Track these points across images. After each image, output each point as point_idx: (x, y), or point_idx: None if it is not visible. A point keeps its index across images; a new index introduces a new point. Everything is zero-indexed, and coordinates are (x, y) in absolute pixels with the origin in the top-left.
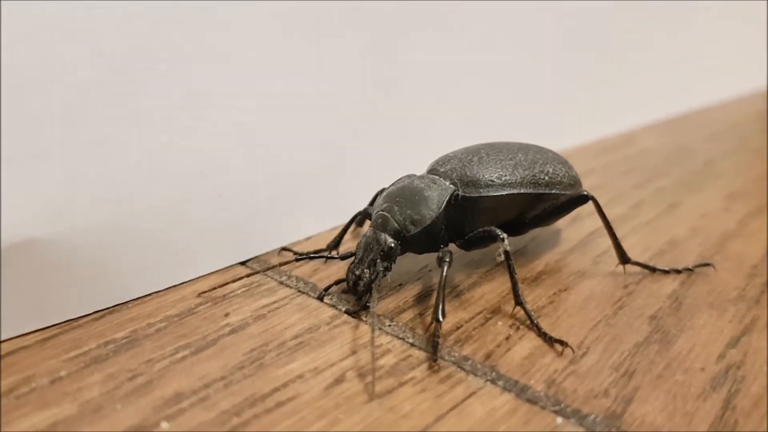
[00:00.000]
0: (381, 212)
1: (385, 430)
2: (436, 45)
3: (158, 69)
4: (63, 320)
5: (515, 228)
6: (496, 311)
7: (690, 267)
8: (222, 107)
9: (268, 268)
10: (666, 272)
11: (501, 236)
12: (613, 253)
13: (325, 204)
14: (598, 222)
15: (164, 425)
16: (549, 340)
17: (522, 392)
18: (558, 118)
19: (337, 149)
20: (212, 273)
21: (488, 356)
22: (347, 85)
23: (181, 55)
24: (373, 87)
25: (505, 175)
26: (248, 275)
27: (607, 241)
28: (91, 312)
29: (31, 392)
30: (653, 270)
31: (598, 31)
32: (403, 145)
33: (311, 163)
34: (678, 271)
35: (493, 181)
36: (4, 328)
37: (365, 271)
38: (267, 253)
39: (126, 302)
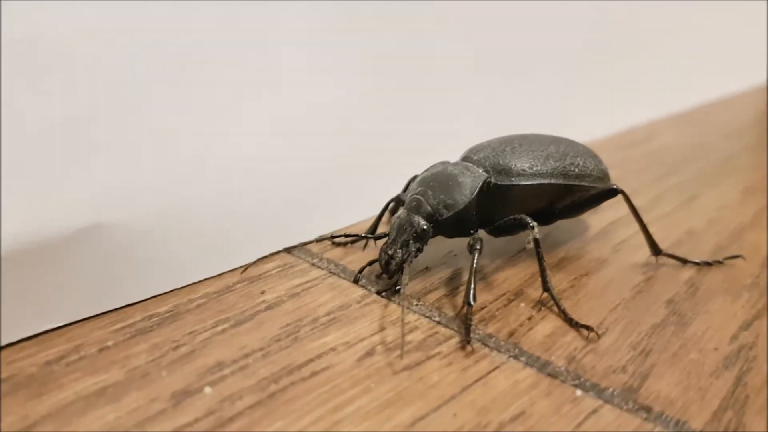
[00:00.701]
0: (415, 196)
1: (414, 398)
2: (460, 40)
3: (207, 65)
4: (124, 304)
5: (543, 218)
6: (519, 294)
7: (720, 260)
8: (263, 102)
9: (303, 244)
10: (697, 264)
11: (531, 224)
12: (633, 241)
13: (360, 194)
14: (619, 212)
15: (207, 390)
16: (575, 325)
17: (543, 367)
18: (578, 112)
19: (372, 141)
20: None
21: (511, 334)
22: (380, 79)
23: (228, 52)
24: (403, 82)
25: (537, 166)
26: (285, 251)
27: (627, 231)
28: (148, 297)
29: (80, 359)
30: (684, 262)
31: (615, 26)
32: (435, 136)
33: (347, 155)
34: (708, 264)
35: (524, 170)
36: (70, 310)
37: (398, 251)
38: (306, 242)
39: (177, 288)
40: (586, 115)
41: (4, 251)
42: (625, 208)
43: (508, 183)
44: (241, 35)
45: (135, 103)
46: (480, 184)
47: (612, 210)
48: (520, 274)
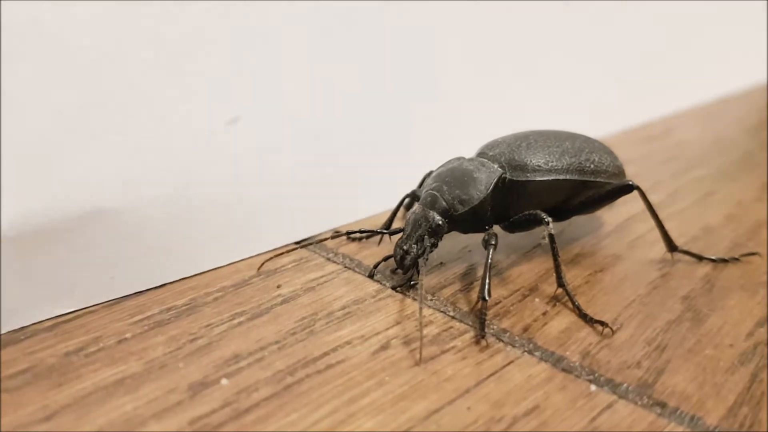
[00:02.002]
0: (430, 191)
1: (429, 391)
2: (477, 33)
3: (210, 52)
4: (131, 292)
5: (558, 214)
6: (533, 289)
7: (736, 256)
8: (269, 90)
9: (320, 240)
10: (713, 261)
11: (546, 220)
12: (648, 237)
13: (375, 189)
14: (634, 209)
15: (224, 381)
16: (589, 320)
17: (558, 362)
18: (593, 107)
19: (386, 134)
20: (267, 252)
21: (526, 329)
22: (394, 72)
23: (231, 39)
24: (418, 76)
25: (552, 161)
26: (300, 246)
27: (643, 227)
28: (158, 285)
29: (99, 351)
30: (700, 259)
31: (632, 19)
32: (451, 131)
33: (360, 147)
34: (725, 261)
35: (540, 166)
36: (77, 297)
37: (413, 246)
38: (319, 235)
39: (189, 277)
40: (601, 110)
41: (15, 233)
42: (640, 204)
43: (523, 179)
44: (251, 23)
45: (143, 90)
46: (495, 180)
47: (627, 206)
48: (534, 269)
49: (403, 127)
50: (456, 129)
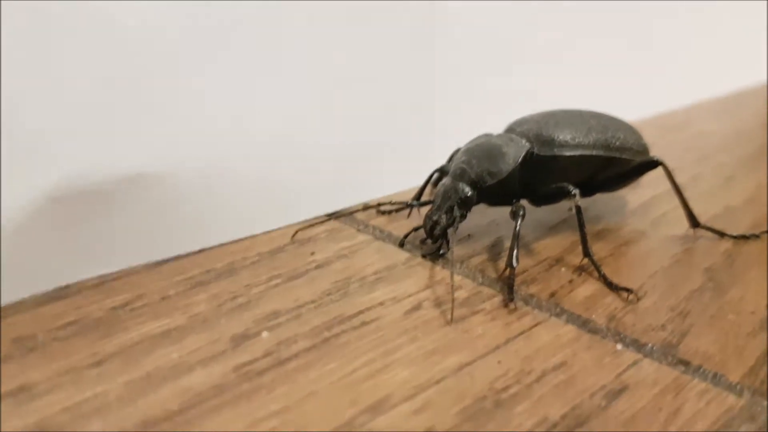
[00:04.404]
0: (460, 164)
1: (460, 347)
2: (502, 15)
3: (249, 34)
4: (171, 255)
5: (584, 190)
6: (559, 260)
7: (757, 233)
8: (304, 68)
9: (351, 212)
10: (734, 237)
11: (573, 192)
12: (671, 215)
13: (403, 165)
14: (658, 189)
15: (265, 334)
16: (615, 288)
17: (584, 325)
18: (613, 95)
19: (414, 112)
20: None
21: (552, 295)
22: (424, 49)
23: (269, 23)
24: (446, 56)
25: (579, 137)
26: (332, 218)
27: (666, 206)
28: (197, 250)
29: (144, 306)
30: (722, 235)
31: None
32: (478, 110)
33: (389, 125)
34: (746, 237)
35: (567, 141)
36: (119, 257)
37: (442, 216)
38: (349, 208)
39: (226, 243)
40: (619, 98)
41: (61, 194)
42: (663, 185)
43: (550, 154)
44: (283, 11)
45: (186, 66)
46: (523, 154)
47: (651, 187)
48: (560, 242)
49: (431, 106)
50: (484, 107)
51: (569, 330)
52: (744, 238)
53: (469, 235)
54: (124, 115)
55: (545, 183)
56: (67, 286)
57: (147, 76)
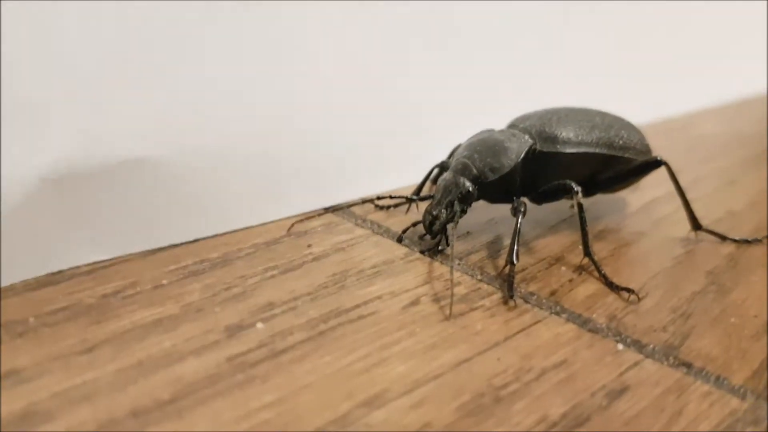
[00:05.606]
0: (462, 159)
1: (459, 342)
2: (502, 16)
3: (252, 17)
4: (166, 244)
5: (586, 189)
6: (559, 259)
7: (759, 238)
8: (304, 58)
9: (348, 206)
10: (736, 241)
11: (575, 189)
12: (673, 217)
13: (403, 161)
14: (660, 190)
15: (260, 325)
16: (615, 288)
17: (585, 324)
18: (615, 97)
19: (416, 107)
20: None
21: (553, 293)
22: (426, 43)
23: (271, 7)
24: (448, 51)
25: (582, 135)
26: (329, 211)
27: (668, 207)
28: (191, 240)
29: (136, 294)
30: (724, 239)
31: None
32: (477, 106)
33: (389, 119)
34: (748, 241)
35: (570, 138)
36: (113, 244)
37: (442, 211)
38: (347, 202)
39: (221, 234)
40: (621, 100)
41: (56, 177)
42: (666, 187)
43: (553, 150)
44: None
45: (187, 48)
46: (526, 150)
47: (652, 189)
48: (560, 241)
49: (432, 101)
50: (485, 104)
51: (569, 329)
52: (746, 242)
53: (468, 232)
54: (123, 98)
55: (547, 180)
56: (59, 272)
57: (147, 63)
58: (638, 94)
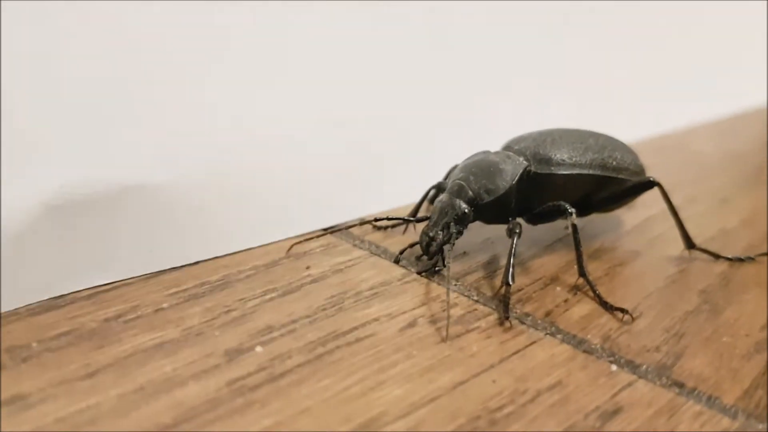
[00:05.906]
0: (457, 180)
1: (455, 365)
2: (498, 37)
3: (247, 43)
4: (166, 267)
5: (580, 209)
6: (554, 279)
7: (752, 256)
8: (302, 79)
9: (347, 228)
10: (729, 260)
11: (569, 210)
12: (667, 236)
13: (400, 181)
14: (654, 209)
15: (259, 349)
16: (610, 308)
17: (579, 344)
18: (608, 115)
19: (413, 128)
20: (295, 237)
21: (547, 314)
22: (424, 64)
23: (267, 33)
24: (446, 73)
25: (576, 156)
26: (327, 232)
27: (662, 227)
28: (192, 262)
29: (137, 318)
30: (717, 257)
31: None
32: (475, 128)
33: (387, 140)
34: (741, 260)
35: (564, 160)
36: (114, 269)
37: (439, 233)
38: (345, 223)
39: (221, 256)
40: (615, 118)
41: (59, 203)
42: (658, 206)
43: (547, 172)
44: (286, 18)
45: (185, 75)
46: (521, 172)
47: (647, 208)
48: (555, 261)
49: (429, 121)
50: (482, 125)
51: (564, 349)
52: (739, 260)
53: (464, 252)
54: (123, 125)
55: (541, 201)
56: (61, 297)
57: (147, 88)
58: (633, 111)
